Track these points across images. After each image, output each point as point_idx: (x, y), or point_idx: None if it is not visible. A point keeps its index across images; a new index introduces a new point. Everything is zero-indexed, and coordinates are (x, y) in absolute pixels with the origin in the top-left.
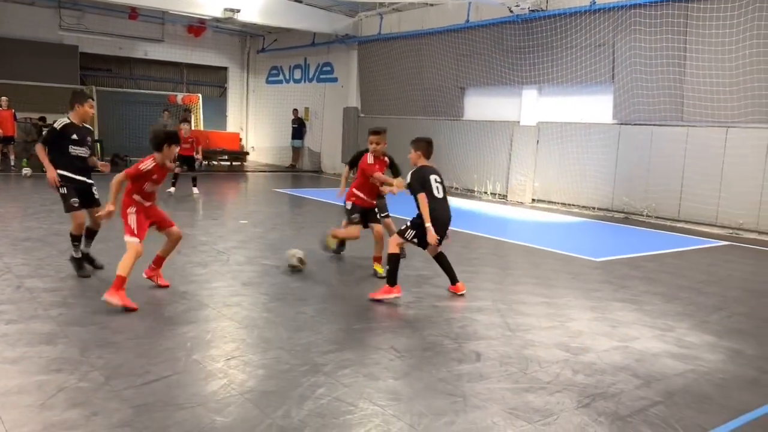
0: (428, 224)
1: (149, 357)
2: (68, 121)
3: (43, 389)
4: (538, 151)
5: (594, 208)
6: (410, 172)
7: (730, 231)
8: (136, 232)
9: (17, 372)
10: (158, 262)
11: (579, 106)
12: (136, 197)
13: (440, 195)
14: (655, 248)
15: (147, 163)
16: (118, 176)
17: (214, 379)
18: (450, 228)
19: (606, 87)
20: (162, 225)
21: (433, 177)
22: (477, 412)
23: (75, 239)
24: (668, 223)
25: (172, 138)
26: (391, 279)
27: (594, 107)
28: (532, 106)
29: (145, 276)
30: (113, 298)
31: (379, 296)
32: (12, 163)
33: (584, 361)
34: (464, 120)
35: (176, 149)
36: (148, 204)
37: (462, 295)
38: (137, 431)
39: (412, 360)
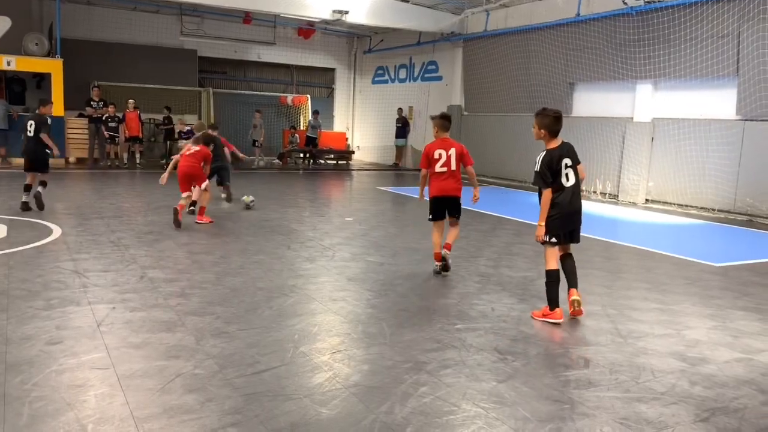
0: (541, 222)
1: (259, 347)
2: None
3: (162, 374)
4: (653, 149)
5: (714, 209)
6: (538, 158)
7: None
8: None
9: (140, 357)
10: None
11: (699, 102)
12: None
13: (569, 183)
14: None
15: None
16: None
17: (320, 372)
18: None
19: (729, 81)
20: None
21: (564, 161)
22: (585, 420)
23: None
24: None
25: None
26: (551, 300)
27: (715, 102)
28: (646, 101)
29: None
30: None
31: (539, 318)
32: (137, 161)
33: (703, 373)
34: (573, 116)
35: None
36: None
37: (575, 302)
38: (247, 419)
39: (516, 363)
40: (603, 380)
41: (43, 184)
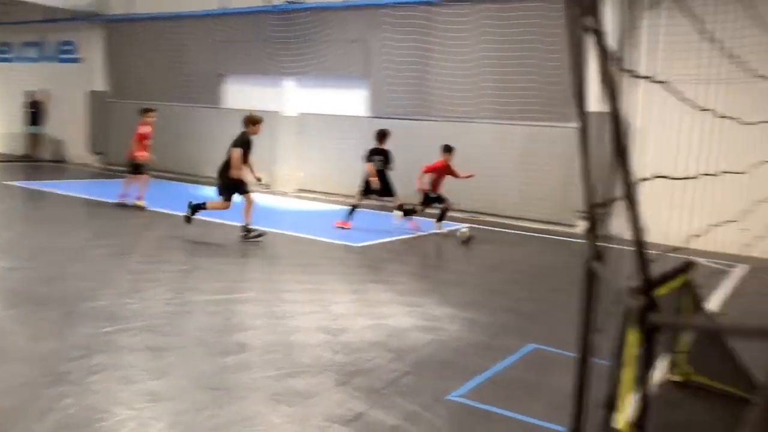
0: None
1: None
2: None
3: None
4: (301, 142)
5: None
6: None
7: (471, 215)
8: None
9: None
10: None
11: (338, 99)
12: None
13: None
14: (406, 232)
15: None
16: None
17: None
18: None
19: (362, 82)
20: None
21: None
22: (240, 403)
23: None
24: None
25: None
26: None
27: (351, 101)
28: (293, 97)
29: None
30: None
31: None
32: None
33: (343, 341)
34: (225, 108)
35: None
36: None
37: None
38: None
39: (172, 358)
40: (258, 362)
41: None
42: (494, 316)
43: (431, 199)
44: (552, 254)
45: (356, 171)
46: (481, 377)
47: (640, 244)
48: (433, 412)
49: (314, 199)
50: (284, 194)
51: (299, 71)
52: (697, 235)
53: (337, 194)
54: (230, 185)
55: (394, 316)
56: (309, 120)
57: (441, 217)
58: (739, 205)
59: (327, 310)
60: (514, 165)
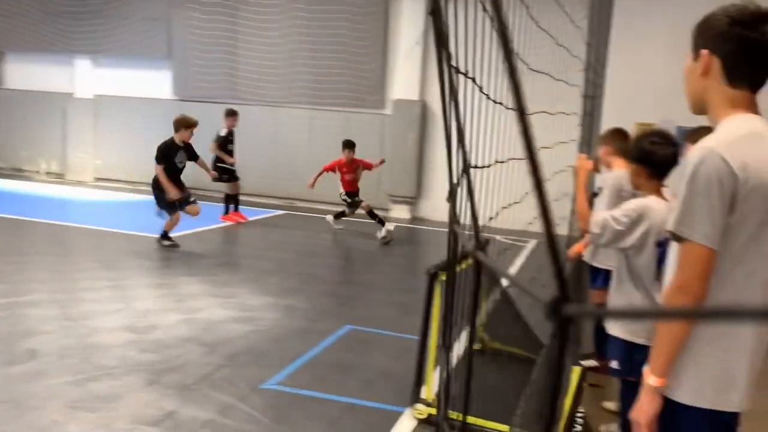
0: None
1: None
2: None
3: None
4: (98, 126)
5: None
6: None
7: (286, 201)
8: None
9: None
10: None
11: (139, 81)
12: None
13: None
14: (220, 221)
15: None
16: None
17: None
18: None
19: (164, 62)
20: None
21: None
22: (32, 414)
23: None
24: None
25: None
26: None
27: (154, 82)
28: (87, 77)
29: None
30: None
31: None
32: None
33: (151, 339)
34: (6, 89)
35: None
36: None
37: None
38: None
39: None
40: (52, 368)
41: None
42: (312, 302)
43: (351, 198)
44: (369, 238)
45: None
46: (297, 363)
47: (476, 222)
48: (248, 402)
49: (115, 188)
50: (80, 184)
51: (94, 50)
52: (492, 217)
53: (141, 183)
54: (162, 197)
55: (207, 309)
56: (106, 102)
57: (375, 218)
58: (525, 188)
59: (132, 308)
60: (328, 150)
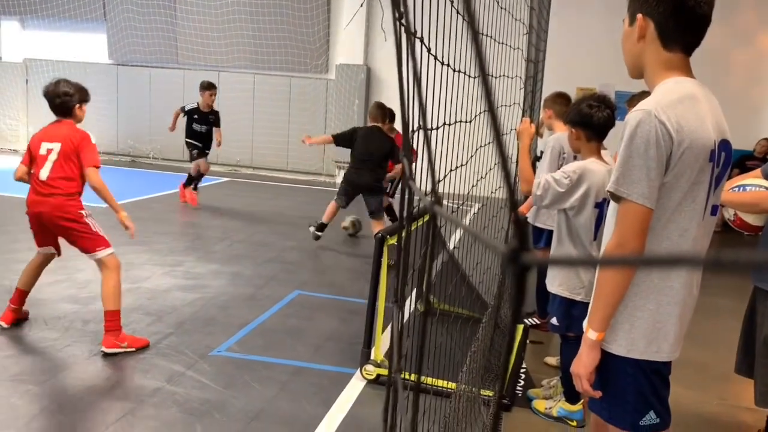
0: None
1: None
2: None
3: None
4: (29, 92)
5: (99, 152)
6: None
7: (230, 168)
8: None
9: None
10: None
11: (73, 44)
12: None
13: None
14: (164, 189)
15: None
16: None
17: None
18: None
19: (99, 25)
20: None
21: None
22: None
23: None
24: (175, 164)
25: None
26: None
27: (89, 46)
28: (15, 40)
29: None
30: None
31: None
32: None
33: (94, 310)
34: None
35: None
36: None
37: None
38: None
39: None
40: None
41: None
42: (259, 268)
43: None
44: (316, 204)
45: (101, 124)
46: (246, 329)
47: (434, 177)
48: (197, 369)
49: None
50: (14, 153)
51: (23, 11)
52: (440, 180)
53: None
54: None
55: (151, 278)
56: (37, 67)
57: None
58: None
59: (72, 279)
60: (272, 117)
